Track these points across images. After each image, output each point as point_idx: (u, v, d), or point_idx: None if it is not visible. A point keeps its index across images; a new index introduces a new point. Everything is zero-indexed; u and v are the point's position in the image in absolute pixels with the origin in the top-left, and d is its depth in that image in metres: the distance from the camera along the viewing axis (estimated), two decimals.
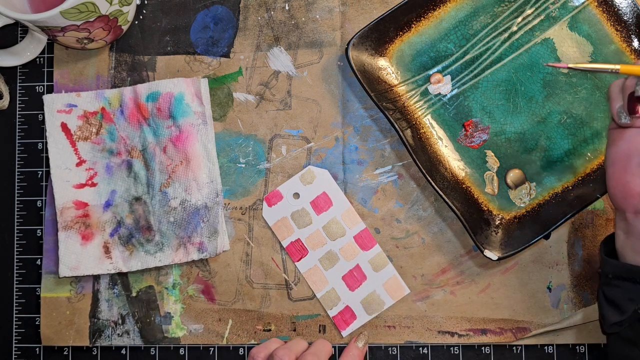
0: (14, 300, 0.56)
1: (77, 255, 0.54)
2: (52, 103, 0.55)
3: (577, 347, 0.54)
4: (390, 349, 0.54)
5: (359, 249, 0.54)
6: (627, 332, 0.43)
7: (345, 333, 0.53)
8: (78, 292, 0.55)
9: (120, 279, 0.55)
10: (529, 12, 0.54)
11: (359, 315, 0.53)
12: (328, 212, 0.54)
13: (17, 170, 0.57)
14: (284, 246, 0.54)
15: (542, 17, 0.54)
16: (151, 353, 0.55)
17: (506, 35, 0.54)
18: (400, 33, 0.54)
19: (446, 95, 0.54)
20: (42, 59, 0.57)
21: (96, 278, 0.55)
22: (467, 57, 0.54)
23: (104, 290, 0.55)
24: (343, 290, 0.53)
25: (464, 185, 0.53)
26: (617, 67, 0.44)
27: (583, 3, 0.54)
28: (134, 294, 0.55)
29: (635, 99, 0.42)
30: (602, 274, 0.45)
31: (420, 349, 0.54)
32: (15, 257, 0.57)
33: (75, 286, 0.55)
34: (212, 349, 0.55)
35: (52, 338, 0.55)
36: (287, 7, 0.56)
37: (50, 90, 0.57)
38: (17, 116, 0.57)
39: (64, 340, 0.55)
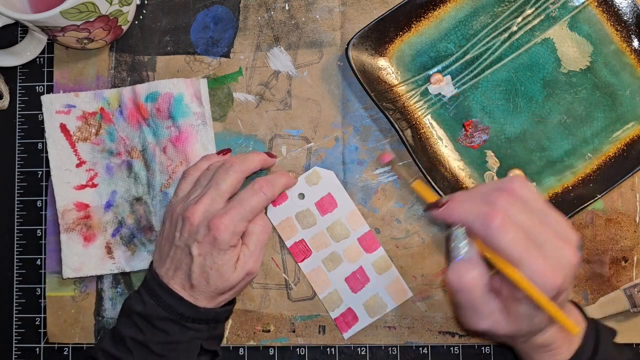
0: (14, 300, 0.56)
1: (80, 257, 0.54)
2: (51, 103, 0.55)
3: None
4: (390, 349, 0.54)
5: (362, 251, 0.54)
6: None
7: (346, 335, 0.53)
8: (82, 292, 0.55)
9: (123, 278, 0.55)
10: (529, 12, 0.54)
11: (361, 318, 0.53)
12: (333, 213, 0.54)
13: (17, 170, 0.57)
14: (288, 246, 0.54)
15: (542, 17, 0.54)
16: None
17: (506, 35, 0.54)
18: (400, 33, 0.54)
19: (446, 95, 0.54)
20: (42, 59, 0.57)
21: (99, 277, 0.56)
22: (467, 57, 0.54)
23: (107, 290, 0.55)
24: (346, 292, 0.53)
25: (464, 185, 0.53)
26: (413, 180, 0.47)
27: (583, 3, 0.54)
28: None
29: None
30: None
31: (421, 349, 0.54)
32: (15, 257, 0.57)
33: (79, 285, 0.56)
34: None
35: (58, 335, 0.55)
36: (287, 7, 0.56)
37: (50, 90, 0.57)
38: (17, 116, 0.57)
39: (70, 337, 0.55)
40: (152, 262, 0.50)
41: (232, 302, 0.51)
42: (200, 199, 0.47)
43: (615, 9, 0.53)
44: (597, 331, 0.44)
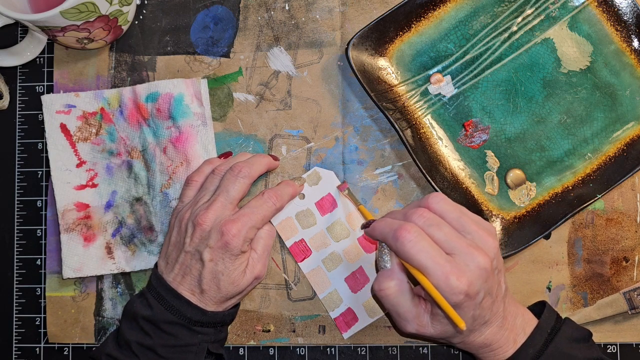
0: (14, 300, 0.56)
1: (80, 257, 0.54)
2: (51, 103, 0.55)
3: None
4: (390, 349, 0.54)
5: (362, 251, 0.54)
6: None
7: (346, 335, 0.53)
8: (82, 292, 0.56)
9: (123, 278, 0.55)
10: (529, 12, 0.54)
11: (361, 318, 0.53)
12: (333, 213, 0.54)
13: (17, 170, 0.57)
14: (288, 246, 0.54)
15: (542, 17, 0.54)
16: None
17: (506, 35, 0.54)
18: (400, 33, 0.54)
19: (446, 95, 0.54)
20: (42, 59, 0.57)
21: (99, 278, 0.56)
22: (467, 57, 0.54)
23: (107, 290, 0.55)
24: (345, 292, 0.53)
25: (464, 185, 0.53)
26: (358, 204, 0.52)
27: (583, 3, 0.54)
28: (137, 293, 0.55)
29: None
30: None
31: (420, 349, 0.54)
32: (15, 257, 0.57)
33: (79, 285, 0.56)
34: None
35: (58, 335, 0.55)
36: (287, 7, 0.56)
37: (50, 90, 0.57)
38: (17, 116, 0.57)
39: (70, 337, 0.55)
40: (155, 267, 0.50)
41: (237, 305, 0.51)
42: (211, 205, 0.47)
43: (615, 9, 0.53)
44: (553, 329, 0.45)
